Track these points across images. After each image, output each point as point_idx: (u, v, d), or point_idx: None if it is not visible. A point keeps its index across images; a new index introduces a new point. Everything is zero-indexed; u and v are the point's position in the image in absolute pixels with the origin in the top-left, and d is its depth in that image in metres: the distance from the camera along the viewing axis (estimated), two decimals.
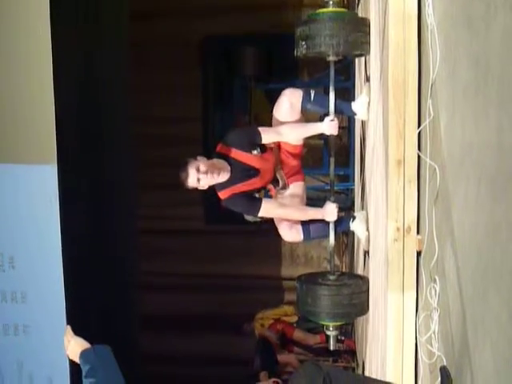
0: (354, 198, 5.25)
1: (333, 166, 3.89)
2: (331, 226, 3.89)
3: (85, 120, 4.88)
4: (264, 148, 3.94)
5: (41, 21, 3.61)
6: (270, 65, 7.48)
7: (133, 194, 6.24)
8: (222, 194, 3.89)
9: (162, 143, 7.57)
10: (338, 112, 3.78)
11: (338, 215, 3.89)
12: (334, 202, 3.86)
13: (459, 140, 2.21)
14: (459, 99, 2.21)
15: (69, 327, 2.39)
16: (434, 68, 2.47)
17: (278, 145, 4.00)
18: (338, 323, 3.80)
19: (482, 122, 1.93)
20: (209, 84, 7.80)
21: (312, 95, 3.81)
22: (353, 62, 5.45)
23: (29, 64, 3.74)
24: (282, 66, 7.23)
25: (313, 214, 3.94)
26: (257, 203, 3.89)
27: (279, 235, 4.07)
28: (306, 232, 3.96)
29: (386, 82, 2.89)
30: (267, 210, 3.91)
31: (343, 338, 6.26)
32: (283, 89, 3.94)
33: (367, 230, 3.85)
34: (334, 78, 3.77)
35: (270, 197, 4.02)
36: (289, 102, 3.82)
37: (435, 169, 2.46)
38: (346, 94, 6.10)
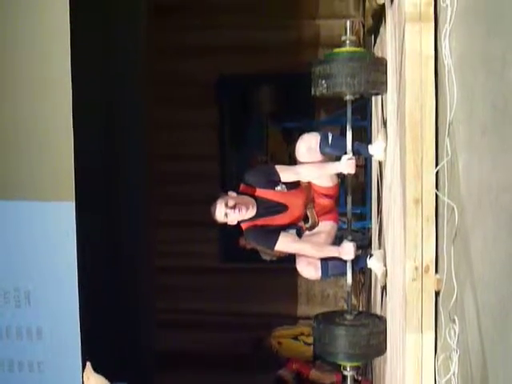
0: (371, 236, 5.24)
1: (350, 204, 3.89)
2: (348, 265, 3.87)
3: (102, 157, 4.92)
4: (295, 184, 3.96)
5: (60, 53, 3.66)
6: (286, 103, 7.52)
7: (149, 231, 6.25)
8: (244, 225, 3.91)
9: (177, 180, 7.61)
10: (355, 153, 3.79)
11: (355, 254, 3.87)
12: (351, 240, 3.85)
13: (477, 179, 2.21)
14: (477, 139, 2.21)
15: (89, 364, 2.39)
16: (452, 108, 2.48)
17: (310, 183, 4.01)
18: (356, 364, 3.75)
19: (500, 161, 1.93)
20: (225, 122, 7.85)
21: (330, 139, 3.82)
22: (369, 101, 5.47)
23: (47, 99, 3.78)
24: (298, 104, 7.27)
25: (329, 251, 3.93)
26: (274, 236, 3.90)
27: (295, 274, 4.06)
28: (324, 269, 3.95)
29: (403, 122, 2.90)
30: (284, 243, 3.91)
31: (360, 379, 6.18)
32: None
33: (384, 265, 3.83)
34: (351, 117, 3.79)
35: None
36: (306, 147, 3.84)
37: (453, 208, 2.45)
38: (363, 132, 6.13)
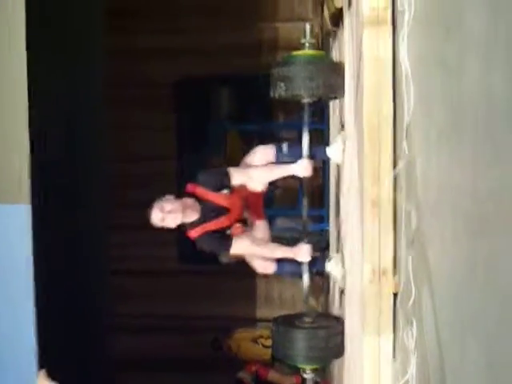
0: (328, 238, 5.25)
1: (306, 206, 3.90)
2: (305, 267, 3.88)
3: (59, 159, 4.85)
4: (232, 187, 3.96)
5: (17, 55, 3.60)
6: (245, 106, 7.51)
7: (105, 234, 6.19)
8: (192, 233, 3.88)
9: (135, 183, 7.55)
10: (312, 156, 3.80)
11: (312, 256, 3.88)
12: (307, 242, 3.86)
13: (435, 182, 2.22)
14: (434, 141, 2.22)
15: (43, 371, 2.35)
16: (409, 110, 2.49)
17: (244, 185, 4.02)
18: (315, 366, 3.76)
19: (457, 164, 1.94)
20: (184, 124, 7.81)
21: (285, 149, 3.85)
22: (327, 104, 5.49)
23: (3, 103, 3.72)
24: (257, 106, 7.27)
25: (283, 252, 3.95)
26: (228, 241, 3.89)
27: (254, 276, 4.06)
28: (280, 265, 3.97)
29: (361, 126, 2.91)
30: (238, 246, 3.91)
31: (319, 380, 6.19)
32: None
33: (343, 268, 3.85)
34: (308, 120, 3.79)
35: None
36: (261, 158, 3.87)
37: (411, 211, 2.46)
38: (320, 135, 6.15)
